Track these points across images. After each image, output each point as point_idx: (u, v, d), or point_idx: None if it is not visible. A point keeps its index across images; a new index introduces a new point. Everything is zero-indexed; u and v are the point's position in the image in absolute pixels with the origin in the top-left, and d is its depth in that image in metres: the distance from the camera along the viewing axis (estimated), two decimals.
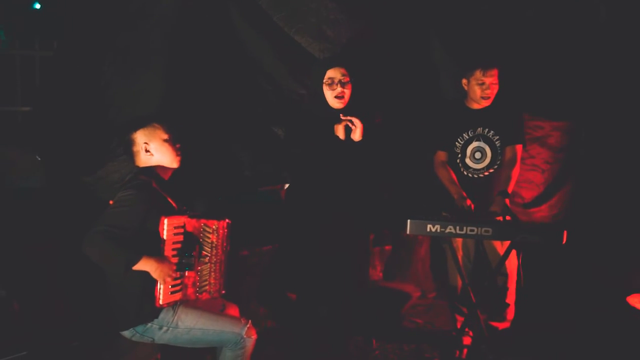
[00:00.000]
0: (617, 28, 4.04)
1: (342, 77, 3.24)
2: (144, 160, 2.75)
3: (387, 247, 4.73)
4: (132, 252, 2.46)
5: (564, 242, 2.99)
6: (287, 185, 3.70)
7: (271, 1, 3.56)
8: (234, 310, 2.94)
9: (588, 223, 3.68)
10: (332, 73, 3.24)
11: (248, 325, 2.74)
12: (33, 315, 2.89)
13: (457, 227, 3.10)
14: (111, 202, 2.60)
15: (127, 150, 2.79)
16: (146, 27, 3.24)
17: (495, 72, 3.43)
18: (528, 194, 4.15)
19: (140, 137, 2.75)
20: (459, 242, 3.61)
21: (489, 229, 3.07)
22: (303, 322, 3.46)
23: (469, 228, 3.09)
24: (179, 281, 2.63)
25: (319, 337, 3.54)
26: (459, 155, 3.60)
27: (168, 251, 2.58)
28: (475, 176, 3.58)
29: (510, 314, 3.63)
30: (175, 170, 2.84)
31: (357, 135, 3.22)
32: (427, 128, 3.71)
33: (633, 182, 4.05)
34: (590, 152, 4.11)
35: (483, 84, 3.44)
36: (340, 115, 3.21)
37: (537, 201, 4.13)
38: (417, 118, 3.91)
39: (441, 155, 3.63)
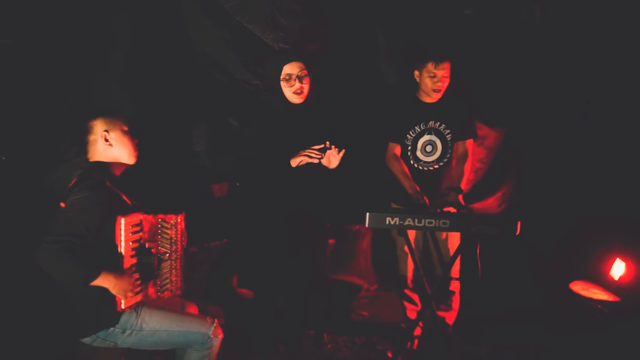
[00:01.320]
0: (553, 29, 4.21)
1: (299, 72, 3.13)
2: (100, 151, 2.55)
3: (331, 241, 4.71)
4: (91, 267, 2.28)
5: (517, 232, 3.10)
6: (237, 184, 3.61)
7: None
8: (193, 309, 2.83)
9: (533, 215, 3.82)
10: (290, 69, 3.13)
11: (215, 325, 2.64)
12: None
13: (416, 220, 3.15)
14: (62, 204, 2.41)
15: (80, 139, 2.56)
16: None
17: (447, 65, 3.46)
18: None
19: (100, 125, 2.55)
20: (411, 233, 3.65)
21: (447, 221, 3.14)
22: (257, 319, 3.40)
23: (427, 220, 3.15)
24: (139, 281, 2.50)
25: (273, 334, 3.49)
26: (410, 148, 3.63)
27: (127, 252, 2.43)
28: (425, 169, 3.64)
29: (456, 303, 3.73)
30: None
31: (332, 164, 3.17)
32: (379, 120, 3.72)
33: (575, 177, 4.26)
34: (531, 150, 4.28)
35: (434, 76, 3.46)
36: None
37: (480, 196, 4.26)
38: (367, 110, 3.92)
39: (394, 148, 3.65)
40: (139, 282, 2.49)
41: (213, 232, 3.73)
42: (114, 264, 2.39)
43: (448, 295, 3.68)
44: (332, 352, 3.65)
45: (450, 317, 3.73)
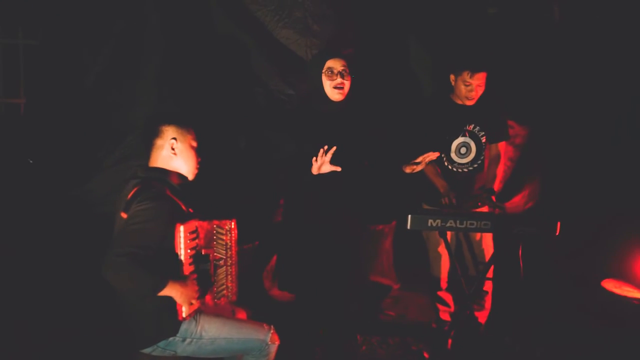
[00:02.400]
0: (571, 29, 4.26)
1: (342, 68, 3.12)
2: (163, 157, 2.53)
3: None
4: (159, 277, 2.26)
5: (557, 232, 3.14)
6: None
7: None
8: (242, 315, 2.82)
9: (563, 213, 3.86)
10: (332, 63, 3.12)
11: (272, 331, 2.64)
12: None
13: (458, 222, 3.17)
14: (124, 214, 2.38)
15: (148, 139, 2.53)
16: (136, 35, 3.06)
17: (483, 75, 3.49)
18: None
19: (172, 132, 2.53)
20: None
21: (488, 222, 3.16)
22: (298, 323, 3.38)
23: (468, 222, 3.17)
24: (197, 288, 2.47)
25: (311, 337, 3.49)
26: (446, 150, 3.64)
27: (186, 259, 2.41)
28: (459, 170, 3.65)
29: (488, 302, 3.75)
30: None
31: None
32: (413, 122, 3.73)
33: (606, 177, 4.30)
34: (556, 148, 4.32)
35: (469, 85, 3.49)
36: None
37: (508, 195, 4.30)
38: (401, 113, 3.93)
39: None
40: (197, 288, 2.46)
41: (246, 234, 3.71)
42: (174, 273, 2.37)
43: (482, 295, 3.71)
44: (367, 353, 3.66)
45: (482, 316, 3.75)
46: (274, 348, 2.64)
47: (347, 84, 3.15)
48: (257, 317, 3.65)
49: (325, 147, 2.97)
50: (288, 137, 3.20)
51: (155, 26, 3.27)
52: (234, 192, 3.64)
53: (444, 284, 3.76)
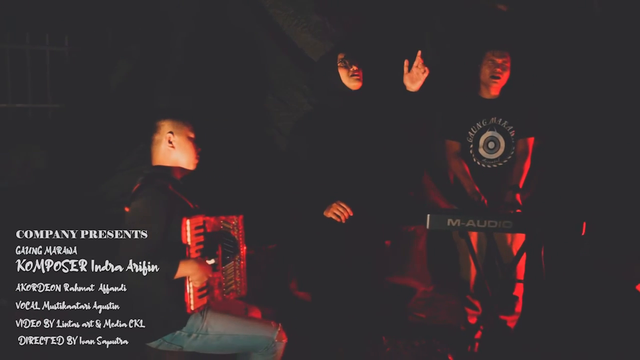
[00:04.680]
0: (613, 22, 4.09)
1: (353, 57, 3.13)
2: (163, 153, 2.59)
3: (387, 242, 4.67)
4: (167, 263, 2.31)
5: (583, 233, 3.01)
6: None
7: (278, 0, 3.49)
8: (256, 313, 2.84)
9: (597, 215, 3.71)
10: (344, 55, 3.14)
11: (279, 329, 2.64)
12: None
13: (478, 221, 3.08)
14: (127, 209, 2.45)
15: (149, 136, 2.62)
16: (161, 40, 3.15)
17: (507, 54, 3.42)
18: None
19: (167, 126, 2.60)
20: (473, 235, 3.58)
21: (509, 222, 3.06)
22: (317, 323, 3.38)
23: (489, 221, 3.08)
24: (205, 284, 2.51)
25: (333, 338, 3.47)
26: (472, 145, 3.56)
27: (193, 254, 2.45)
28: (489, 166, 3.56)
29: (519, 307, 3.63)
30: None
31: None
32: (438, 117, 3.67)
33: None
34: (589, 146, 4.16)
35: (493, 62, 3.42)
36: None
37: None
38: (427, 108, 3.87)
39: (454, 146, 3.59)
40: (204, 283, 2.50)
41: (270, 234, 3.75)
42: None
43: (512, 299, 3.59)
44: (391, 355, 3.61)
45: (512, 320, 3.64)
46: (281, 346, 2.64)
47: (362, 73, 3.14)
48: (279, 317, 3.69)
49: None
50: (304, 142, 3.21)
51: (178, 33, 3.33)
52: (253, 192, 3.68)
53: (472, 288, 3.67)
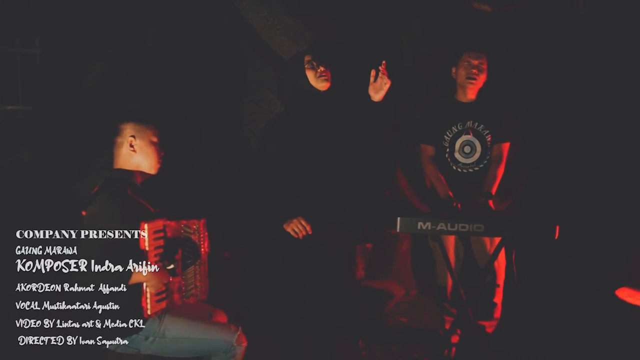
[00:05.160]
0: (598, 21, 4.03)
1: (319, 58, 3.10)
2: (124, 156, 2.57)
3: (368, 245, 4.63)
4: (120, 272, 2.29)
5: (556, 237, 2.96)
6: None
7: (252, 2, 3.47)
8: (221, 317, 2.80)
9: (575, 220, 3.65)
10: (310, 57, 3.12)
11: (238, 333, 2.61)
12: None
13: (449, 224, 3.03)
14: (84, 212, 2.43)
15: (112, 139, 2.59)
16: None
17: (483, 56, 3.38)
18: None
19: (129, 129, 2.56)
20: (450, 240, 3.53)
21: (481, 225, 3.02)
22: (289, 326, 3.34)
23: (460, 225, 3.03)
24: (164, 288, 2.48)
25: (304, 340, 3.43)
26: (448, 149, 3.51)
27: (151, 259, 2.42)
28: (465, 171, 3.51)
29: (497, 312, 3.57)
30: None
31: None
32: (413, 120, 3.63)
33: (620, 177, 4.05)
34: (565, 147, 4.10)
35: (469, 64, 3.38)
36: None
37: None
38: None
39: (429, 150, 3.55)
40: (163, 287, 2.47)
41: (243, 237, 3.72)
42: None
43: (490, 305, 3.53)
44: (366, 359, 3.57)
45: (490, 325, 3.58)
46: (241, 350, 2.61)
47: (329, 73, 3.11)
48: (242, 319, 3.66)
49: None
50: (272, 146, 3.18)
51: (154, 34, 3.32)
52: (226, 194, 3.65)
53: (449, 295, 3.61)
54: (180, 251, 2.57)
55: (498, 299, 3.53)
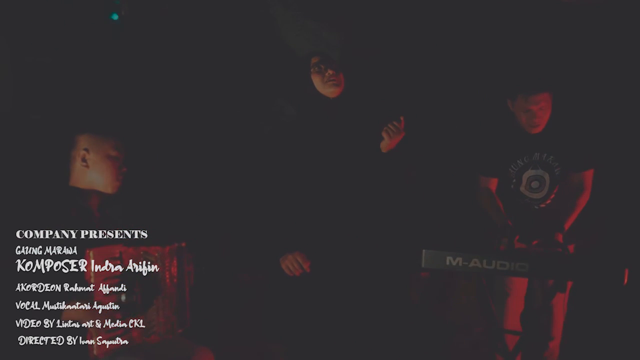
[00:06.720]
0: None
1: (328, 61, 2.72)
2: (77, 172, 2.29)
3: (423, 274, 4.10)
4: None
5: (625, 282, 2.31)
6: None
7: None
8: (206, 355, 2.43)
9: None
10: (317, 59, 2.73)
11: None
12: None
13: (485, 261, 2.47)
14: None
15: (68, 152, 2.32)
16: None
17: (543, 96, 2.83)
18: None
19: (84, 141, 2.28)
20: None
21: (525, 264, 2.42)
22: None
23: (499, 262, 2.46)
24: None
25: None
26: (513, 183, 3.04)
27: (97, 288, 2.09)
28: (530, 208, 3.05)
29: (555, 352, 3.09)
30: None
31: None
32: (472, 151, 3.16)
33: None
34: None
35: (528, 111, 2.85)
36: None
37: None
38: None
39: (488, 182, 3.07)
40: (109, 311, 2.13)
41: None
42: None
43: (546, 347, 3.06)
44: None
45: None
46: None
47: (340, 77, 2.71)
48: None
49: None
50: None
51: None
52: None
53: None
54: (137, 283, 2.22)
55: (550, 355, 3.07)
